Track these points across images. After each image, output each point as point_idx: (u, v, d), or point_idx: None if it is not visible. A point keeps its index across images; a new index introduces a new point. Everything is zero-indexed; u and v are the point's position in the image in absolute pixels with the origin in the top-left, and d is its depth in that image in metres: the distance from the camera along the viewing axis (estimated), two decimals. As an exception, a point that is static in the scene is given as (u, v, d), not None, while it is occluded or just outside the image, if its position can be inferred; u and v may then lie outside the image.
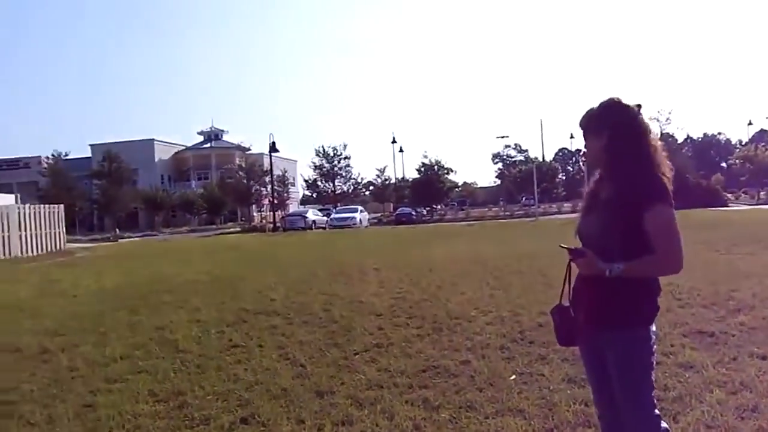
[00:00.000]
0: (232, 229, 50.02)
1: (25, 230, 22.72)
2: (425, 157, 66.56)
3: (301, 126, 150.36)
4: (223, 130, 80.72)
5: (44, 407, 4.53)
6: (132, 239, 40.53)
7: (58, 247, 24.39)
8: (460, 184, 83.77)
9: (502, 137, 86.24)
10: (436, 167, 65.26)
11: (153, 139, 72.07)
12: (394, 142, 68.41)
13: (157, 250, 23.73)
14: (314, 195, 72.60)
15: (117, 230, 47.20)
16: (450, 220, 49.60)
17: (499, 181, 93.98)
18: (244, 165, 67.39)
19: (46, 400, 4.70)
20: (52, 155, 60.78)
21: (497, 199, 79.45)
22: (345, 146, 68.87)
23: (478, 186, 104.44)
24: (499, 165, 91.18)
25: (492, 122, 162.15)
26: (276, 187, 57.55)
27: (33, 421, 4.26)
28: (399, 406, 4.21)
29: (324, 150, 68.30)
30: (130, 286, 11.50)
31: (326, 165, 68.28)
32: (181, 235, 45.59)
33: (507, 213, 54.04)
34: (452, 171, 68.45)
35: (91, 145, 69.48)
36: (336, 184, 68.44)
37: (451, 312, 7.30)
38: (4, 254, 21.29)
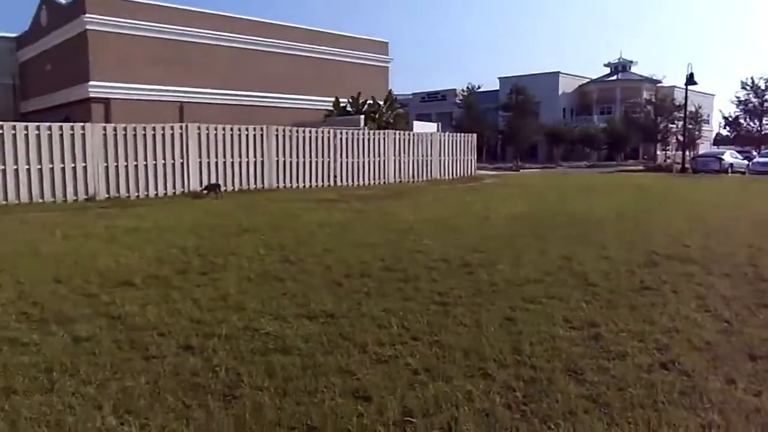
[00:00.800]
0: (633, 167, 47.90)
1: (443, 155, 25.48)
2: None
3: (724, 56, 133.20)
4: (631, 62, 76.58)
5: (472, 312, 5.05)
6: (532, 170, 42.12)
7: (469, 172, 26.79)
8: None
9: None
10: None
11: (558, 72, 72.42)
12: None
13: (558, 183, 24.20)
14: (732, 135, 64.29)
15: (518, 161, 49.53)
16: None
17: None
18: (653, 99, 63.29)
19: (474, 306, 5.22)
20: (467, 88, 66.10)
21: None
22: (782, 77, 59.04)
23: None
24: None
25: None
26: (688, 125, 52.72)
27: (464, 322, 4.79)
28: None
29: (753, 82, 59.44)
30: (534, 214, 12.02)
31: (753, 100, 59.50)
32: (580, 169, 45.58)
33: None
34: None
35: (499, 78, 73.33)
36: (764, 123, 59.40)
37: None
38: (426, 176, 24.31)
